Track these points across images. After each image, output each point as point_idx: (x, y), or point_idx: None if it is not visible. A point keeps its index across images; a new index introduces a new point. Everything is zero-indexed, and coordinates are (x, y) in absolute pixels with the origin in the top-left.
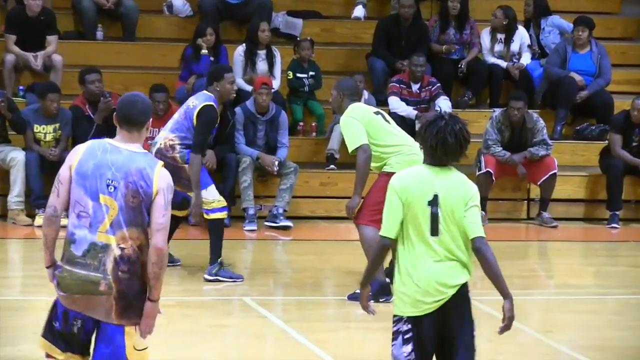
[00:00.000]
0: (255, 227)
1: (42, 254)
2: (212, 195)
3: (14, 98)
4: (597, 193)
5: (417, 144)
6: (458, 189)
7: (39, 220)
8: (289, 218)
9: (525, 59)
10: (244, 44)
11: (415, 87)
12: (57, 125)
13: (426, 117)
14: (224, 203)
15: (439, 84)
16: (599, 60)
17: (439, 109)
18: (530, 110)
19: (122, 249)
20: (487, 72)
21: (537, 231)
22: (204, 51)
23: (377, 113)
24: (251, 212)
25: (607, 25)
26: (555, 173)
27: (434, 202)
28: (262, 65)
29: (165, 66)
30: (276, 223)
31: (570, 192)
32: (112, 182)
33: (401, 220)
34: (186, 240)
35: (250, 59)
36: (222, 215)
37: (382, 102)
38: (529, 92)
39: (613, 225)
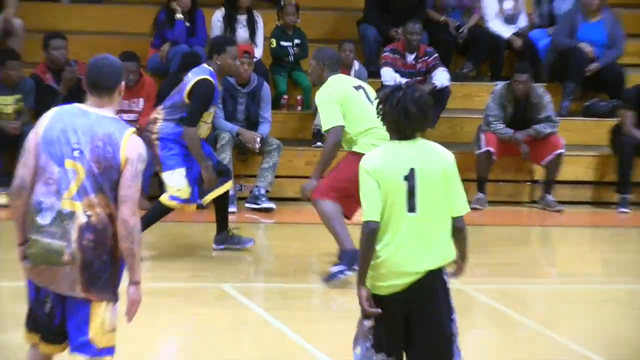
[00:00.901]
0: (234, 209)
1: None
2: (175, 182)
3: None
4: (607, 175)
5: None
6: (434, 161)
7: (2, 199)
8: (271, 199)
9: (522, 22)
10: (222, 8)
11: (410, 58)
12: (19, 97)
13: (383, 92)
14: (185, 194)
15: (436, 55)
16: (611, 30)
17: (435, 83)
18: (535, 84)
19: (88, 216)
20: (489, 41)
21: (541, 215)
22: (179, 15)
23: (358, 88)
24: (230, 192)
25: None
26: (561, 153)
27: (410, 177)
28: (242, 32)
29: (136, 32)
30: (258, 205)
31: (578, 173)
32: (78, 146)
33: (381, 200)
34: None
35: (229, 24)
36: (174, 205)
37: (374, 74)
38: (534, 64)
39: (623, 209)
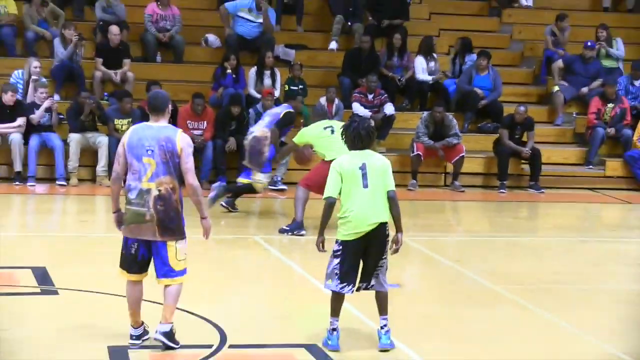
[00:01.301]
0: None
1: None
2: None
3: (101, 101)
4: (491, 169)
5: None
6: (378, 159)
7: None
8: (284, 184)
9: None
10: (255, 66)
11: (370, 97)
12: (130, 119)
13: (344, 123)
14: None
15: (386, 95)
16: (494, 80)
17: (385, 112)
18: (447, 113)
19: (159, 190)
20: (418, 86)
21: (451, 194)
22: (229, 71)
23: (326, 127)
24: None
25: (500, 56)
26: (463, 155)
27: (363, 167)
28: (267, 81)
29: (202, 80)
30: (276, 187)
31: (473, 168)
32: (149, 147)
33: (340, 185)
34: None
35: (259, 76)
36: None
37: (347, 106)
38: (446, 101)
39: (501, 190)
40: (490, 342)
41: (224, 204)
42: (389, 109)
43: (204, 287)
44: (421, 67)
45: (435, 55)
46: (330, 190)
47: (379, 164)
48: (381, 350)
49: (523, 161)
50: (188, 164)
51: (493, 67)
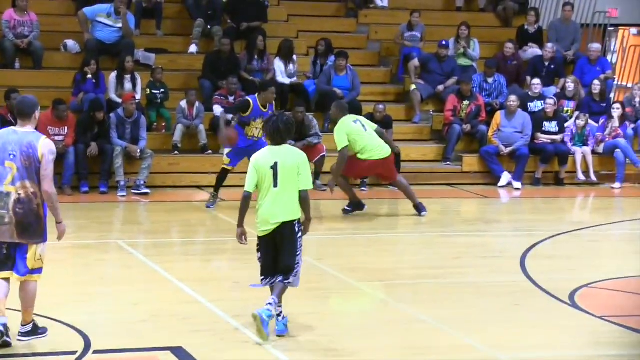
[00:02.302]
0: (125, 194)
1: None
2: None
3: None
4: None
5: None
6: (292, 157)
7: None
8: (147, 187)
9: (301, 79)
10: (115, 71)
11: (231, 99)
12: None
13: (265, 118)
14: None
15: (247, 96)
16: (352, 79)
17: None
18: (307, 113)
19: (19, 194)
20: (279, 88)
21: (312, 193)
22: (89, 76)
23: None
24: (122, 183)
25: (358, 56)
26: (324, 155)
27: (274, 166)
28: (128, 85)
29: (62, 86)
30: (139, 190)
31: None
32: (12, 152)
33: (256, 180)
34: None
35: (119, 81)
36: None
37: (208, 108)
38: (306, 101)
39: (362, 188)
40: (352, 337)
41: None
42: None
43: (67, 293)
44: (280, 70)
45: (295, 57)
46: (247, 185)
47: (290, 162)
48: (278, 336)
49: None
50: (47, 170)
51: (351, 67)
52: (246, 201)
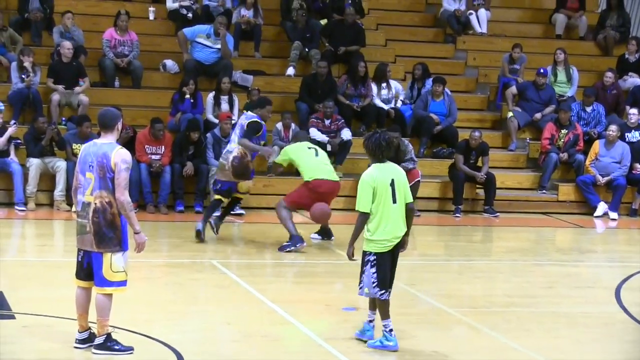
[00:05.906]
0: (219, 214)
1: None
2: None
3: (59, 126)
4: (447, 193)
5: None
6: (401, 173)
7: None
8: (242, 208)
9: (398, 104)
10: (213, 92)
11: (327, 122)
12: None
13: (365, 135)
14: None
15: (343, 120)
16: (449, 105)
17: (342, 137)
18: (403, 138)
19: (95, 204)
20: (376, 112)
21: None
22: (187, 96)
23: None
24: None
25: (455, 82)
26: (419, 180)
27: (392, 183)
28: (225, 106)
29: (160, 105)
30: (233, 211)
31: (429, 192)
32: (91, 163)
33: (373, 199)
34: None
35: (217, 101)
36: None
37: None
38: (402, 126)
39: (456, 215)
40: None
41: (211, 221)
42: (346, 134)
43: (160, 311)
44: (375, 94)
45: (391, 81)
46: (364, 205)
47: (403, 178)
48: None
49: (478, 186)
50: (119, 179)
51: (449, 93)
52: (365, 221)
